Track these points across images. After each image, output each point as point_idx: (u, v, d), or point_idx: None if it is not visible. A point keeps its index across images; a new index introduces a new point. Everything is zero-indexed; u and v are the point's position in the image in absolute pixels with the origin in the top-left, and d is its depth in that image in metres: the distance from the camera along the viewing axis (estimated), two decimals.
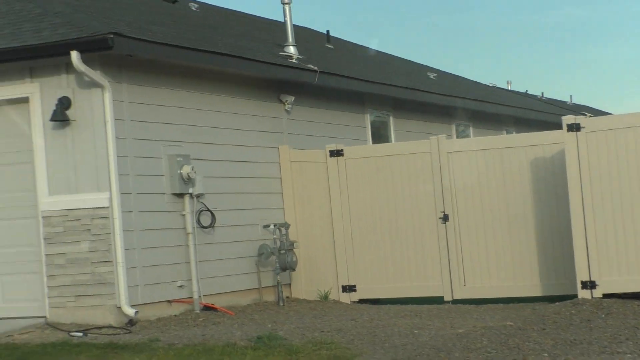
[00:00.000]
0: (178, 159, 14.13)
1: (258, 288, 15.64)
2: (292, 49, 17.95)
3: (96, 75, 13.01)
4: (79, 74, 13.07)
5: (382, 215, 15.81)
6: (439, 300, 15.58)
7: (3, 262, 13.71)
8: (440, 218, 15.48)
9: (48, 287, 13.35)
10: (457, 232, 15.42)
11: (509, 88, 31.80)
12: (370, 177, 15.86)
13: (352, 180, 15.92)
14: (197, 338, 12.20)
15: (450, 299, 15.46)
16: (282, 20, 18.29)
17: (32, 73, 13.41)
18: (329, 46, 23.07)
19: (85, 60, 12.86)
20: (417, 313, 14.23)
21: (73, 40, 12.86)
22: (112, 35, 12.75)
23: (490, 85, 28.07)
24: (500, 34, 51.66)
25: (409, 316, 13.93)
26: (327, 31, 23.69)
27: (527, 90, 30.95)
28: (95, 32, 12.93)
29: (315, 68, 16.76)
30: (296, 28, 23.78)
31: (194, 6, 21.64)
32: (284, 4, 18.19)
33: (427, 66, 25.75)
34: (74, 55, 12.74)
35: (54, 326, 13.07)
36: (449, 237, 15.45)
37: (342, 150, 15.95)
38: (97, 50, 12.88)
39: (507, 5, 52.63)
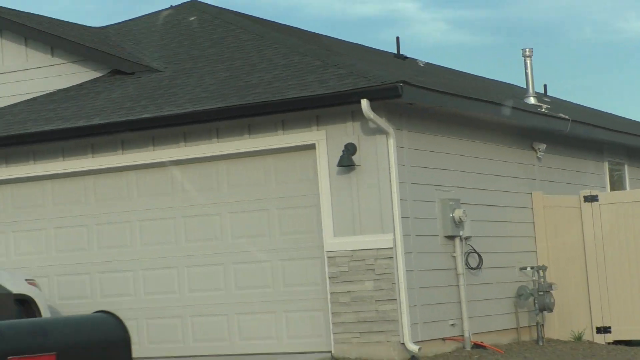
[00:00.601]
0: (450, 202, 13.64)
1: (516, 328, 14.95)
2: (532, 100, 17.39)
3: (382, 122, 12.64)
4: (365, 121, 12.72)
5: (638, 258, 14.97)
6: None
7: (288, 299, 13.38)
8: None
9: (333, 323, 12.93)
10: None
11: None
12: (625, 221, 15.07)
13: (606, 225, 15.15)
14: None
15: None
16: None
17: (318, 121, 13.12)
18: (547, 99, 22.34)
19: (372, 108, 12.52)
20: None
21: (363, 88, 12.51)
22: (401, 84, 12.37)
23: None
24: None
25: None
26: (545, 85, 23.03)
27: None
28: (383, 81, 12.57)
29: (567, 117, 16.11)
30: (506, 85, 23.29)
31: (421, 62, 21.30)
32: (525, 57, 17.68)
33: (627, 118, 24.69)
34: (364, 103, 12.40)
35: None
36: None
37: (596, 195, 15.23)
38: (386, 98, 12.51)
39: None
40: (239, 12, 19.18)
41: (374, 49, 22.30)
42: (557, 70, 40.79)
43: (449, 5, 44.91)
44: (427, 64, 21.63)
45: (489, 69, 42.89)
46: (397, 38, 22.23)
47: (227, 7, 19.42)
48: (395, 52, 21.95)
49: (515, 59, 44.83)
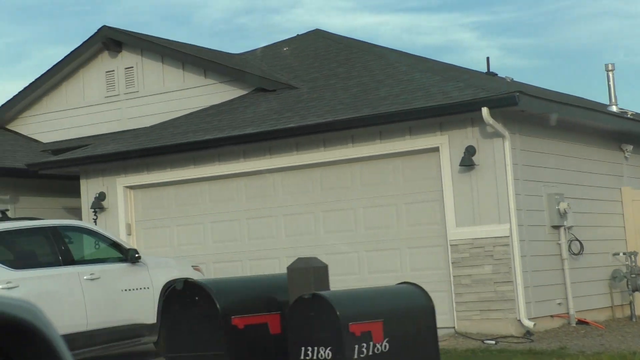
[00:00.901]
0: (555, 197, 13.08)
1: (611, 306, 14.31)
2: (614, 108, 16.72)
3: (499, 127, 12.15)
4: (483, 127, 12.25)
5: None
6: None
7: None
8: None
9: (456, 302, 12.47)
10: None
11: None
12: None
13: None
14: (596, 347, 11.02)
15: None
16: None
17: (442, 127, 12.69)
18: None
19: (490, 115, 12.03)
20: None
21: (483, 98, 12.05)
22: (517, 93, 11.88)
23: None
24: None
25: None
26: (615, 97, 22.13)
27: None
28: (501, 91, 12.10)
29: None
30: (579, 98, 22.44)
31: (508, 79, 20.71)
32: (607, 71, 17.04)
33: None
34: (485, 111, 11.93)
35: (464, 335, 12.16)
36: None
37: None
38: (503, 106, 12.02)
39: None
40: (355, 38, 18.85)
41: (466, 68, 21.75)
42: (594, 88, 39.91)
43: (502, 35, 44.35)
44: (513, 80, 21.03)
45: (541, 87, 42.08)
46: (487, 58, 21.87)
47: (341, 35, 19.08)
48: (486, 70, 21.42)
49: (562, 78, 43.98)
